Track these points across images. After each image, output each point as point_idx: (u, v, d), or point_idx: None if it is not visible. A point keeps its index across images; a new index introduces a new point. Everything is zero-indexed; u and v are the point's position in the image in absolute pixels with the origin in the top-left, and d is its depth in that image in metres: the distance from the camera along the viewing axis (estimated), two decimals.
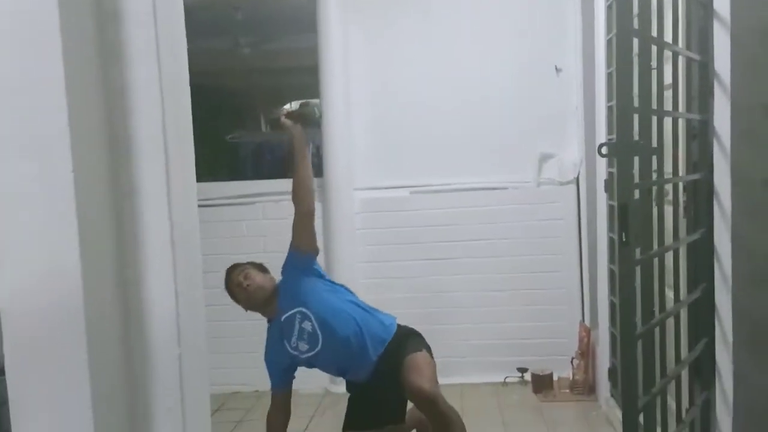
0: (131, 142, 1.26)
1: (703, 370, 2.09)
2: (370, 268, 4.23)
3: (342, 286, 2.87)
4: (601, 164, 3.45)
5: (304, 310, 2.70)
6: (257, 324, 4.17)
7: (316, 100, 2.72)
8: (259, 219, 4.21)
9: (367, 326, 2.71)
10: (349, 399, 2.79)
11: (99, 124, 1.22)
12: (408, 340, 2.75)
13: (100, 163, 1.22)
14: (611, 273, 3.39)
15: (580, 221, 3.98)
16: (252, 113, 7.80)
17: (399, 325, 2.81)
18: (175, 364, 1.32)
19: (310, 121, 2.66)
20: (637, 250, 1.64)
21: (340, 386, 4.04)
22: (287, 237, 4.33)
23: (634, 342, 1.54)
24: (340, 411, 3.63)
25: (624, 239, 1.54)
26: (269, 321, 2.87)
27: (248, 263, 2.89)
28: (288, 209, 4.18)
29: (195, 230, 1.40)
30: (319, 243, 4.10)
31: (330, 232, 4.07)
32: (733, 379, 1.87)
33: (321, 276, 2.83)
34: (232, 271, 2.84)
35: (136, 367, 1.28)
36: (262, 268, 2.88)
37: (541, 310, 4.09)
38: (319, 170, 4.25)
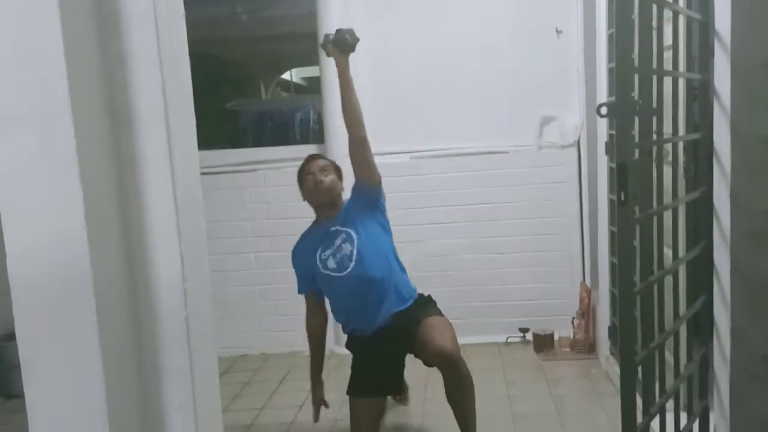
0: (132, 110, 1.27)
1: (702, 327, 2.13)
2: None
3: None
4: (602, 127, 3.45)
5: (352, 233, 2.68)
6: (262, 289, 4.25)
7: (349, 27, 2.68)
8: (261, 186, 4.23)
9: (396, 279, 2.72)
10: (353, 365, 2.82)
11: (99, 92, 1.23)
12: (427, 306, 2.77)
13: (101, 131, 1.23)
14: (612, 234, 3.42)
15: (581, 184, 3.99)
16: (251, 81, 7.75)
17: (420, 294, 2.84)
18: (182, 325, 1.35)
19: (344, 46, 2.64)
20: (636, 210, 1.66)
21: (344, 348, 4.12)
22: (290, 204, 4.36)
23: (633, 298, 1.57)
24: (344, 373, 3.69)
25: (623, 199, 1.56)
26: (315, 222, 2.86)
27: (330, 160, 2.88)
28: (289, 176, 4.22)
29: (198, 195, 1.42)
30: None
31: None
32: (730, 335, 1.91)
33: (382, 212, 2.79)
34: (315, 159, 2.83)
35: (144, 328, 1.31)
36: (339, 173, 2.86)
37: (543, 272, 4.14)
38: (320, 137, 4.25)
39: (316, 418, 2.89)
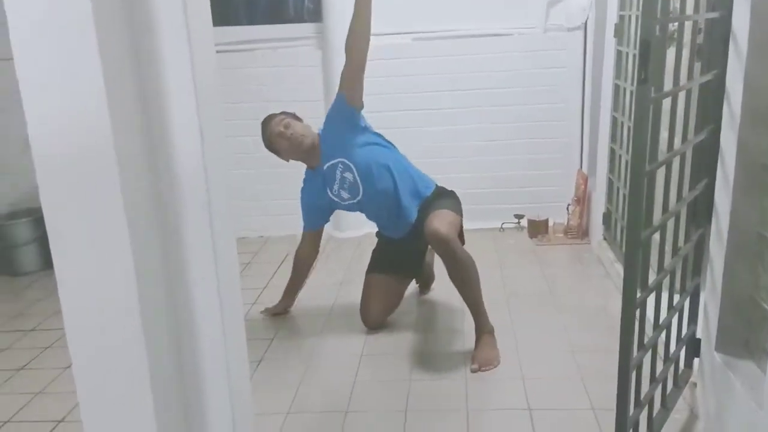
0: None
1: (700, 210, 2.17)
2: (369, 118, 4.19)
3: (388, 142, 2.90)
4: (612, 8, 3.34)
5: (345, 161, 2.73)
6: (260, 173, 4.25)
7: None
8: (257, 66, 4.12)
9: (408, 183, 2.80)
10: (375, 251, 3.04)
11: None
12: (441, 198, 2.83)
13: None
14: (614, 120, 3.41)
15: (585, 69, 3.93)
16: None
17: (438, 186, 2.91)
18: (204, 202, 1.36)
19: None
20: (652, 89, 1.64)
21: (343, 232, 4.19)
22: (285, 86, 4.27)
23: (643, 176, 1.59)
24: (343, 256, 3.79)
25: (643, 77, 1.54)
26: (309, 168, 2.91)
27: (283, 113, 2.86)
28: (284, 57, 4.11)
29: (213, 70, 1.38)
30: (319, 92, 4.09)
31: (329, 81, 4.01)
32: (729, 217, 1.96)
33: (366, 128, 2.81)
34: (270, 121, 2.80)
35: (168, 208, 1.32)
36: (297, 117, 2.86)
37: (541, 159, 4.16)
38: (318, 15, 4.10)
39: (265, 311, 3.14)
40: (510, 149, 4.15)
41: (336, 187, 2.80)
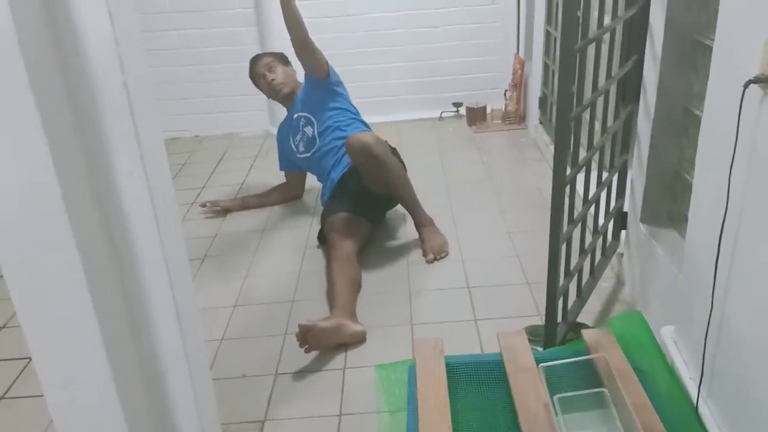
0: None
1: (630, 88, 2.21)
2: (301, 6, 4.01)
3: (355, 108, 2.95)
4: None
5: (310, 116, 2.87)
6: (191, 70, 4.07)
7: None
8: None
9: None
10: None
11: None
12: None
13: None
14: (549, 1, 3.37)
15: None
16: None
17: None
18: (121, 91, 1.30)
19: None
20: None
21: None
22: None
23: (573, 53, 1.60)
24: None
25: None
26: (286, 108, 3.05)
27: (270, 54, 3.01)
28: None
29: None
30: None
31: None
32: (657, 93, 2.00)
33: (336, 91, 2.87)
34: (257, 61, 2.96)
35: (82, 94, 1.25)
36: (284, 60, 3.00)
37: (477, 45, 4.11)
38: None
39: (206, 204, 3.14)
40: (446, 36, 4.08)
41: (298, 138, 2.93)
